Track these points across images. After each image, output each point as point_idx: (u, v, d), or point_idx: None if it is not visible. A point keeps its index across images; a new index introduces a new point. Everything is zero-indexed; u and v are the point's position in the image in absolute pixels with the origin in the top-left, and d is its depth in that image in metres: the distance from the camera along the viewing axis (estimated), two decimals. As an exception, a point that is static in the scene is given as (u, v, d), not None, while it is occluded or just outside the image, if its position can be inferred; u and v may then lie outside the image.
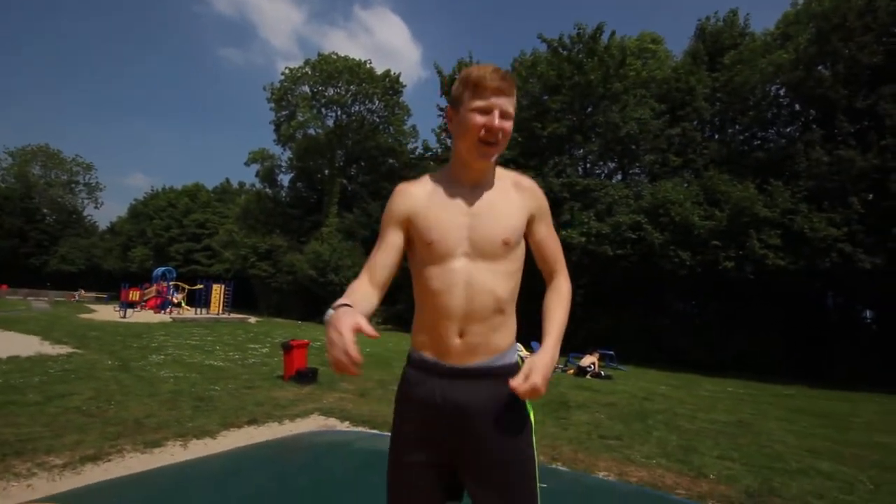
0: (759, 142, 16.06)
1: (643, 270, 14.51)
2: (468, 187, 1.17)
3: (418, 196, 1.19)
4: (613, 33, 17.05)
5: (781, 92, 15.36)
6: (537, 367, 1.04)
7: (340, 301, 1.02)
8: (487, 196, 1.17)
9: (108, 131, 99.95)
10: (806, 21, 14.48)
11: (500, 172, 1.23)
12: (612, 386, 8.87)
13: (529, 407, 1.18)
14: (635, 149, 17.50)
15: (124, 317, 17.27)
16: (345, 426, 4.71)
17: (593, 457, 4.13)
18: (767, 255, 12.03)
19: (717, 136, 17.31)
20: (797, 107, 15.14)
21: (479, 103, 1.09)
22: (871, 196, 11.51)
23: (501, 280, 1.13)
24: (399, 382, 1.22)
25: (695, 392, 8.90)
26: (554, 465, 3.77)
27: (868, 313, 14.04)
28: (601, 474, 3.68)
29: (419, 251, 1.16)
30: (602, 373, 10.16)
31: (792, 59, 13.97)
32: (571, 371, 10.52)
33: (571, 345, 12.17)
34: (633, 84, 17.16)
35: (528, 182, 1.23)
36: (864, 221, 11.40)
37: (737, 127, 16.46)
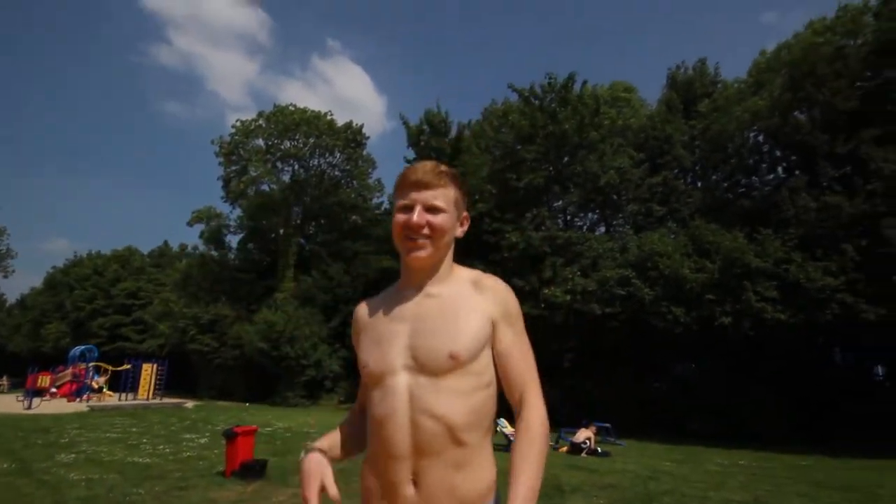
0: (743, 189, 17.14)
1: (635, 330, 14.70)
2: (414, 289, 1.12)
3: (366, 315, 1.17)
4: (585, 83, 18.39)
5: (760, 139, 16.67)
6: None
7: (317, 443, 1.04)
8: (437, 297, 1.09)
9: (23, 191, 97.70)
10: (778, 68, 16.04)
11: (460, 272, 1.16)
12: (610, 464, 8.63)
13: None
14: (617, 199, 18.38)
15: (29, 407, 16.01)
16: (298, 530, 4.36)
17: (594, 551, 3.93)
18: (765, 309, 12.42)
19: (699, 184, 18.42)
20: (778, 153, 16.39)
21: (401, 202, 1.11)
22: (863, 242, 12.24)
23: (453, 400, 0.98)
24: None
25: (702, 467, 8.75)
26: (549, 565, 3.55)
27: (879, 369, 14.43)
28: (604, 572, 3.49)
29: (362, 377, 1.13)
30: (598, 449, 9.92)
31: (767, 105, 15.31)
32: (564, 448, 10.23)
33: (562, 417, 11.93)
34: (610, 132, 18.32)
35: (491, 280, 1.13)
36: (861, 269, 12.02)
37: (719, 174, 17.58)
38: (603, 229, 19.74)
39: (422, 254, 1.07)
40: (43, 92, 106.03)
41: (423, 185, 1.08)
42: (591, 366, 15.66)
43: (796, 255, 12.77)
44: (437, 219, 1.07)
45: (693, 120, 18.10)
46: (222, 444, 7.04)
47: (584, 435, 10.20)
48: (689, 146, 17.92)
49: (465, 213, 1.19)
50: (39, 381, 19.46)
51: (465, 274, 1.16)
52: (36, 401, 17.04)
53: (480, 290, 1.10)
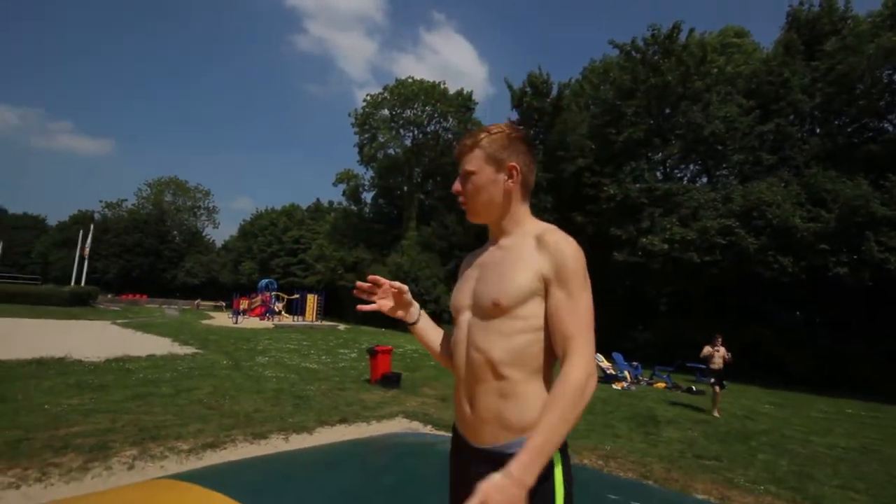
0: (871, 133, 13.97)
1: (736, 278, 13.13)
2: (492, 242, 1.14)
3: (463, 263, 1.23)
4: (692, 31, 15.92)
5: (895, 77, 13.27)
6: (491, 497, 0.77)
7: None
8: (504, 249, 1.07)
9: (217, 161, 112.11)
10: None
11: (530, 226, 1.08)
12: (705, 402, 8.06)
13: (559, 487, 0.92)
14: (721, 149, 16.04)
15: (236, 323, 19.01)
16: (427, 429, 4.73)
17: (689, 477, 3.75)
18: (888, 260, 10.33)
19: (818, 131, 15.32)
20: (919, 91, 12.97)
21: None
22: None
23: (496, 339, 0.97)
24: None
25: (804, 412, 7.80)
26: (645, 482, 3.46)
27: None
28: (699, 496, 3.32)
29: None
30: (693, 387, 9.29)
31: (908, 39, 12.04)
32: (661, 385, 9.76)
33: (655, 356, 11.31)
34: (717, 81, 15.82)
35: (550, 236, 1.01)
36: None
37: (843, 119, 14.45)
38: (705, 180, 17.48)
39: (468, 216, 1.14)
40: (224, 85, 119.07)
41: (459, 156, 1.12)
42: (688, 311, 14.42)
43: (934, 202, 10.30)
44: (468, 184, 1.11)
45: (816, 61, 14.84)
46: (367, 359, 7.78)
47: (716, 353, 7.36)
48: (810, 90, 14.79)
49: (509, 164, 1.07)
50: (240, 304, 22.94)
51: (533, 228, 1.06)
52: (240, 318, 20.20)
53: (540, 247, 1.00)
